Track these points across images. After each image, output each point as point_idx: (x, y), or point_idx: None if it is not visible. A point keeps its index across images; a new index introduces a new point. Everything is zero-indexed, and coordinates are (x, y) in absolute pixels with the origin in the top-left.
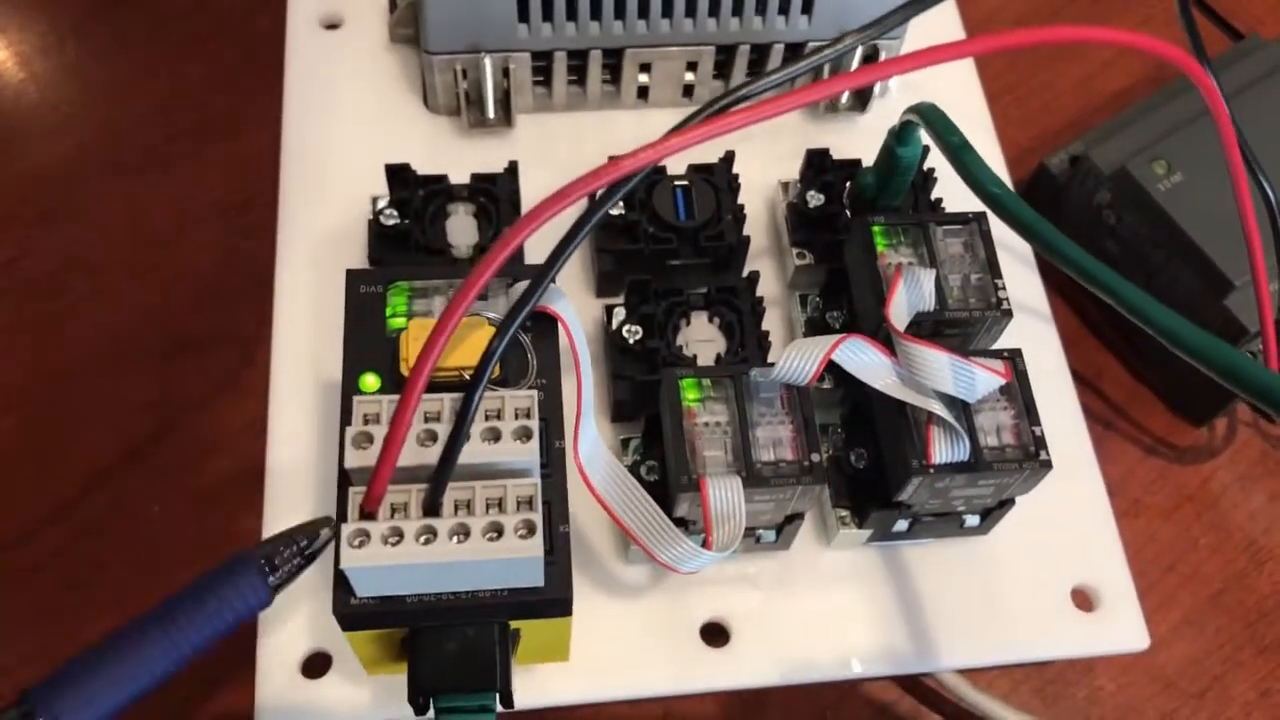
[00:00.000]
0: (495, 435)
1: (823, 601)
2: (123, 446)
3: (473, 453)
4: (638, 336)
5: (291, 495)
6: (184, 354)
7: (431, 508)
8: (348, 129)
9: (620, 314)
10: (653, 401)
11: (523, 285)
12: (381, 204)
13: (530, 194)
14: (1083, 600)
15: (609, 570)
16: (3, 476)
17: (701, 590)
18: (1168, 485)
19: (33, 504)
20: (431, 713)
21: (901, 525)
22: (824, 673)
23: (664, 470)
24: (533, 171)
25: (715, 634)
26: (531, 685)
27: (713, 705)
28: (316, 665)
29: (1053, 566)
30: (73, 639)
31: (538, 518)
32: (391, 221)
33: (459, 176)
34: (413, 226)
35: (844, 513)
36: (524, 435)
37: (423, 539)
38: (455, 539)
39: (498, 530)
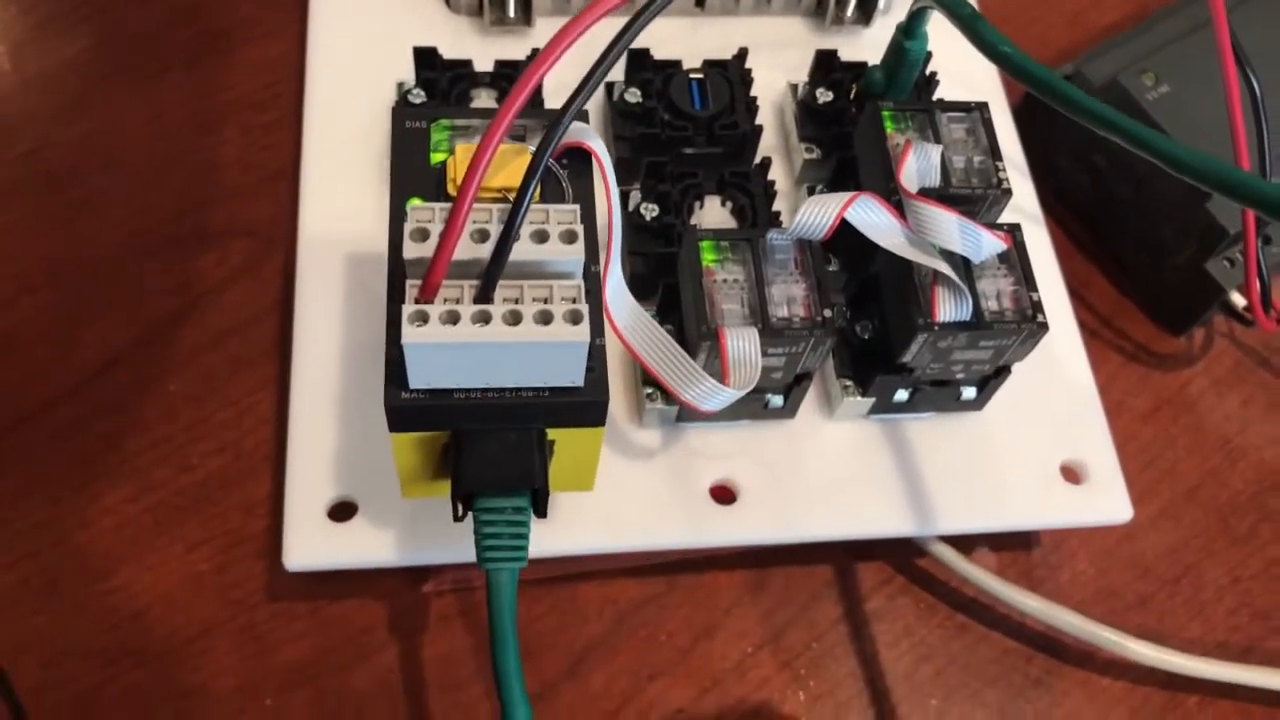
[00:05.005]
0: (543, 236)
1: (825, 469)
2: (141, 329)
3: (522, 251)
4: (654, 214)
5: (317, 368)
6: (202, 244)
7: (484, 299)
8: (371, 27)
9: (637, 196)
10: (669, 273)
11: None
12: (409, 85)
13: (547, 91)
14: (1071, 474)
15: (622, 433)
16: (21, 353)
17: (710, 457)
18: (1148, 389)
19: (50, 381)
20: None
21: (902, 395)
22: (826, 532)
23: (681, 329)
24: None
25: (723, 496)
26: (549, 533)
27: (713, 580)
28: (343, 512)
29: (1043, 443)
30: (81, 513)
31: (584, 308)
32: (419, 102)
33: None
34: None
35: (848, 383)
36: (570, 238)
37: (477, 322)
38: (507, 323)
39: (547, 318)
